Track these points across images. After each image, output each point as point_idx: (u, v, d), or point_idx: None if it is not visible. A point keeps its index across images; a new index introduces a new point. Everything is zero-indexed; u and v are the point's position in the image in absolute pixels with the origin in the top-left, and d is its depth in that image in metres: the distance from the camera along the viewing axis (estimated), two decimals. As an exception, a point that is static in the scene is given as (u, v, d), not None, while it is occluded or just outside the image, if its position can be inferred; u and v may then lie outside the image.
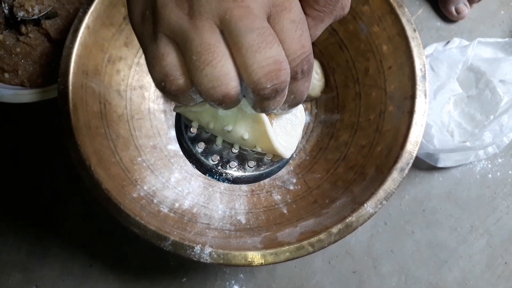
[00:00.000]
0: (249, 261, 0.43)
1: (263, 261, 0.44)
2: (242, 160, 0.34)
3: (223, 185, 0.58)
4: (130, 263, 0.63)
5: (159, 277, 0.62)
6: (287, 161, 0.35)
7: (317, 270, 0.63)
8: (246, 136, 0.32)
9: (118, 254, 0.63)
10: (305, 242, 0.44)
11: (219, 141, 0.34)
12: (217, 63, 0.22)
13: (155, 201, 0.51)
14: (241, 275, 0.62)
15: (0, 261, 0.63)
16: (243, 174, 0.34)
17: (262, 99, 0.24)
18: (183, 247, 0.44)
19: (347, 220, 0.45)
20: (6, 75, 0.62)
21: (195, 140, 0.34)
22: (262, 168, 0.35)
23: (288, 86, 0.24)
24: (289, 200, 0.55)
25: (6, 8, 0.63)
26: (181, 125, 0.34)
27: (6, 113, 0.67)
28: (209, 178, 0.34)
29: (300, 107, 0.34)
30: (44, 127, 0.67)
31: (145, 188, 0.52)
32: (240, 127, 0.32)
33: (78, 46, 0.51)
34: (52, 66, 0.63)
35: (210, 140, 0.34)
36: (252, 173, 0.35)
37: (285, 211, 0.54)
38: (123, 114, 0.56)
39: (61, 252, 0.63)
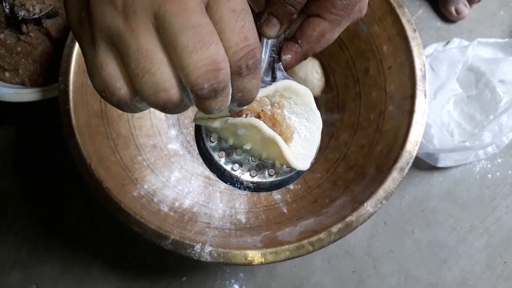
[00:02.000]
0: (249, 260, 0.44)
1: (263, 260, 0.44)
2: (262, 168, 0.34)
3: (223, 185, 0.59)
4: (130, 262, 0.63)
5: (159, 276, 0.62)
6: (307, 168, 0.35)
7: (317, 270, 0.63)
8: (264, 155, 0.32)
9: (118, 253, 0.63)
10: (305, 241, 0.44)
11: (239, 151, 0.34)
12: (155, 71, 0.21)
13: (155, 200, 0.51)
14: (241, 274, 0.62)
15: (0, 260, 0.63)
16: (264, 181, 0.34)
17: (202, 99, 0.23)
18: (183, 246, 0.44)
19: (347, 219, 0.45)
20: (7, 74, 0.62)
21: (215, 149, 0.34)
22: (282, 176, 0.35)
23: (233, 83, 0.23)
24: (289, 200, 0.56)
25: (7, 7, 0.63)
26: (202, 134, 0.34)
27: (7, 112, 0.67)
28: (231, 187, 0.34)
29: (317, 112, 0.34)
30: (45, 126, 0.67)
31: (145, 187, 0.52)
32: (258, 146, 0.32)
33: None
34: (52, 65, 0.63)
35: (230, 150, 0.34)
36: (273, 181, 0.35)
37: (285, 211, 0.54)
38: (124, 113, 0.57)
39: (62, 251, 0.63)
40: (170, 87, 0.22)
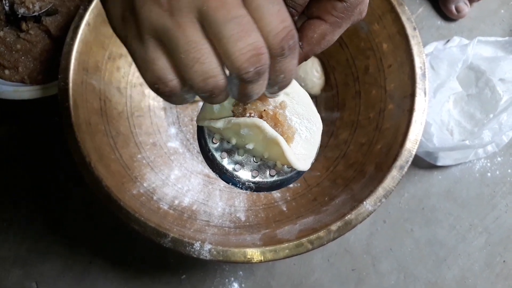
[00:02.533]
0: (249, 258, 0.44)
1: (262, 258, 0.44)
2: (263, 169, 0.34)
3: (223, 183, 0.59)
4: (130, 260, 0.63)
5: (159, 274, 0.62)
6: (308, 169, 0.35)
7: (316, 268, 0.63)
8: (266, 155, 0.33)
9: (118, 251, 0.63)
10: (304, 239, 0.45)
11: (241, 152, 0.34)
12: (204, 60, 0.23)
13: (155, 198, 0.51)
14: (241, 272, 0.63)
15: (0, 257, 0.63)
16: (265, 181, 0.35)
17: (246, 84, 0.24)
18: (183, 244, 0.44)
19: (346, 217, 0.45)
20: (7, 71, 0.62)
21: (218, 149, 0.34)
22: (283, 176, 0.35)
23: (275, 66, 0.25)
24: (289, 198, 0.56)
25: (7, 4, 0.63)
26: (205, 135, 0.34)
27: (6, 109, 0.67)
28: (232, 186, 0.35)
29: (317, 115, 0.34)
30: (45, 124, 0.67)
31: (145, 185, 0.52)
32: (260, 146, 0.32)
33: (78, 43, 0.51)
34: (52, 63, 0.63)
35: (232, 150, 0.34)
36: (274, 181, 0.35)
37: (285, 209, 0.54)
38: (123, 111, 0.57)
39: (62, 249, 0.64)
40: (217, 73, 0.24)
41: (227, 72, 0.25)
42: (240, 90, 0.26)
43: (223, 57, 0.23)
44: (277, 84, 0.26)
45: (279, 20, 0.23)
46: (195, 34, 0.23)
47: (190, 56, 0.23)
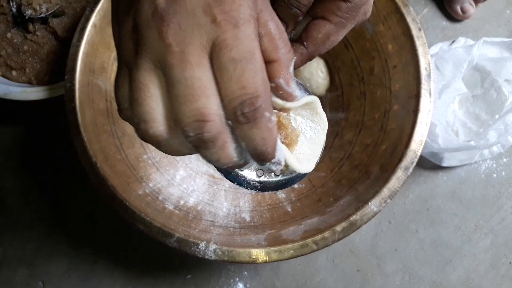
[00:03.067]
0: (253, 258, 0.44)
1: (267, 259, 0.44)
2: (262, 160, 0.34)
3: (228, 183, 0.59)
4: (135, 260, 0.63)
5: (164, 273, 0.63)
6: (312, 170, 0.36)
7: (321, 268, 0.63)
8: None
9: (123, 250, 0.64)
10: (309, 240, 0.45)
11: None
12: (142, 102, 0.23)
13: (160, 198, 0.52)
14: (245, 273, 0.63)
15: (7, 256, 0.63)
16: (270, 181, 0.35)
17: (196, 148, 0.24)
18: (188, 244, 0.44)
19: (351, 218, 0.45)
20: (14, 72, 0.63)
21: None
22: (288, 176, 0.35)
23: (235, 131, 0.24)
24: (294, 199, 0.56)
25: (14, 6, 0.64)
26: None
27: (13, 110, 0.67)
28: (238, 186, 0.35)
29: (323, 115, 0.34)
30: (51, 125, 0.68)
31: (150, 185, 0.53)
32: None
33: (85, 44, 0.51)
34: (59, 64, 0.64)
35: None
36: (279, 180, 0.35)
37: (290, 209, 0.54)
38: (129, 111, 0.57)
39: (67, 248, 0.64)
40: (149, 119, 0.23)
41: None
42: (200, 153, 0.24)
43: (173, 115, 0.23)
44: (248, 152, 0.24)
45: (238, 86, 0.22)
46: (145, 77, 0.23)
47: (132, 94, 0.23)
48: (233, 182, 0.35)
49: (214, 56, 0.22)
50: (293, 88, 0.27)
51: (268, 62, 0.26)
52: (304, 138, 0.33)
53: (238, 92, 0.22)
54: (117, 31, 0.25)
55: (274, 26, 0.25)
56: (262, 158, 0.24)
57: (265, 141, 0.24)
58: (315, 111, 0.34)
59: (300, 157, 0.32)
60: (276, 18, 0.26)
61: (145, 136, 0.24)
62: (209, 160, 0.25)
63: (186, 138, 0.23)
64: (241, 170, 0.34)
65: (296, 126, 0.33)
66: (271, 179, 0.35)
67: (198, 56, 0.22)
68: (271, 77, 0.26)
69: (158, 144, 0.24)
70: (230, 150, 0.24)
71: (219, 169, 0.35)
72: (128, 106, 0.24)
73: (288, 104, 0.28)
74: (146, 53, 0.23)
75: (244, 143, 0.24)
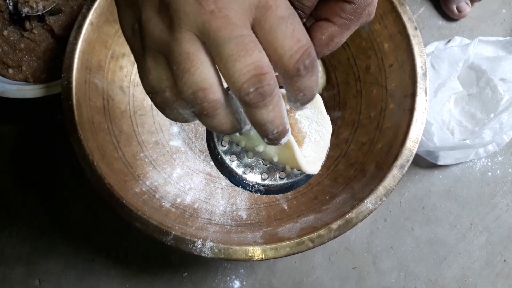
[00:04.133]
0: (250, 256, 0.44)
1: (263, 256, 0.44)
2: (273, 171, 0.34)
3: (225, 181, 0.59)
4: (132, 258, 0.63)
5: (161, 271, 0.63)
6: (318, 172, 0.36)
7: (317, 266, 0.64)
8: (275, 159, 0.33)
9: (120, 248, 0.64)
10: (305, 237, 0.45)
11: (250, 154, 0.34)
12: (195, 70, 0.22)
13: (157, 196, 0.52)
14: (242, 270, 0.63)
15: (4, 254, 0.63)
16: (275, 184, 0.35)
17: (253, 109, 0.24)
18: (185, 242, 0.44)
19: (347, 216, 0.46)
20: (10, 70, 0.63)
21: (227, 152, 0.34)
22: (293, 179, 0.35)
23: (294, 84, 0.24)
24: (290, 196, 0.56)
25: (11, 4, 0.64)
26: (214, 138, 0.34)
27: (10, 108, 0.67)
28: (242, 189, 0.35)
29: (327, 118, 0.34)
30: (48, 123, 0.68)
31: (147, 183, 0.53)
32: (270, 149, 0.32)
33: (81, 42, 0.51)
34: (55, 62, 0.64)
35: (241, 153, 0.34)
36: (284, 183, 0.35)
37: (286, 207, 0.54)
38: (126, 110, 0.57)
39: (64, 246, 0.64)
40: (208, 86, 0.23)
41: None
42: (250, 118, 0.25)
43: (224, 78, 0.23)
44: (298, 101, 0.26)
45: (294, 40, 0.23)
46: (190, 47, 0.22)
47: (180, 66, 0.23)
48: (237, 185, 0.35)
49: (261, 18, 0.23)
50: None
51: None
52: (309, 141, 0.34)
53: (296, 46, 0.23)
54: (130, 18, 0.25)
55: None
56: (310, 101, 0.26)
57: (317, 85, 0.25)
58: (319, 111, 0.34)
59: (305, 159, 0.32)
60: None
61: (202, 101, 0.23)
62: (263, 122, 0.24)
63: (246, 97, 0.23)
64: (245, 174, 0.34)
65: (302, 128, 0.33)
66: (276, 182, 0.35)
67: (242, 18, 0.22)
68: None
69: (214, 112, 0.24)
70: (282, 108, 0.25)
71: (223, 172, 0.34)
72: (169, 84, 0.24)
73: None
74: (184, 25, 0.22)
75: (302, 92, 0.25)
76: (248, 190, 0.34)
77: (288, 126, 0.26)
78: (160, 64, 0.24)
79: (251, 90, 0.22)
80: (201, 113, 0.24)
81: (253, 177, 0.34)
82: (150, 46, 0.24)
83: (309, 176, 0.35)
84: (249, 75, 0.22)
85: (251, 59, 0.22)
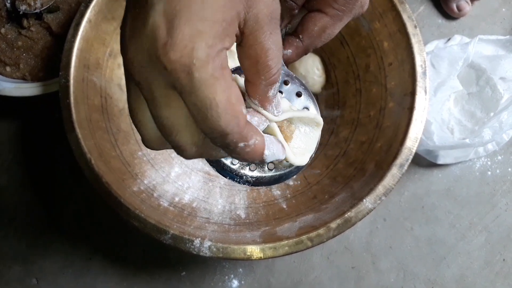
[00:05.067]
0: (248, 255, 0.44)
1: (262, 255, 0.44)
2: (261, 163, 0.34)
3: (223, 180, 0.59)
4: (130, 257, 0.63)
5: (159, 270, 0.63)
6: (306, 163, 0.35)
7: (316, 265, 0.63)
8: None
9: (118, 247, 0.63)
10: (304, 236, 0.45)
11: None
12: (137, 123, 0.25)
13: (155, 195, 0.52)
14: (240, 270, 0.63)
15: (1, 253, 0.63)
16: (263, 176, 0.35)
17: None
18: (183, 241, 0.44)
19: (346, 215, 0.45)
20: (8, 68, 0.63)
21: None
22: (281, 170, 0.35)
23: None
24: (289, 195, 0.56)
25: (9, 1, 0.63)
26: None
27: (7, 106, 0.67)
28: (231, 181, 0.35)
29: (317, 115, 0.34)
30: (46, 121, 0.67)
31: (145, 182, 0.52)
32: None
33: (79, 40, 0.51)
34: (53, 60, 0.63)
35: None
36: (272, 175, 0.35)
37: (285, 206, 0.54)
38: (124, 108, 0.57)
39: (62, 245, 0.64)
40: (148, 140, 0.26)
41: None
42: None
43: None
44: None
45: (207, 127, 0.22)
46: (135, 102, 0.24)
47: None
48: (225, 177, 0.35)
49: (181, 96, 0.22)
50: (270, 109, 0.27)
51: (247, 81, 0.25)
52: (298, 132, 0.33)
53: (207, 131, 0.22)
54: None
55: (260, 49, 0.23)
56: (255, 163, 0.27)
57: (249, 157, 0.25)
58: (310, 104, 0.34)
59: (294, 151, 0.32)
60: (268, 39, 0.23)
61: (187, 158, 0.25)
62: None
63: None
64: (233, 164, 0.34)
65: (291, 122, 0.33)
66: (264, 174, 0.34)
67: (164, 95, 0.22)
68: (249, 95, 0.26)
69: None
70: (214, 157, 0.26)
71: (212, 163, 0.34)
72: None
73: (269, 117, 0.28)
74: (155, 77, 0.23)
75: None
76: (237, 181, 0.34)
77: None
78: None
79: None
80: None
81: (241, 168, 0.34)
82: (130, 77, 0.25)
83: (298, 168, 0.35)
84: (173, 147, 0.25)
85: (171, 138, 0.24)
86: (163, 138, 0.24)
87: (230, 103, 0.22)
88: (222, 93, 0.21)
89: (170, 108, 0.22)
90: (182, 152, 0.24)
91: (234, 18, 0.21)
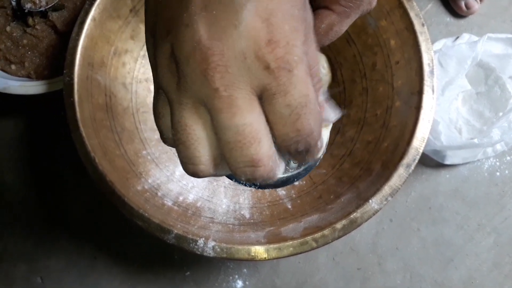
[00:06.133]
0: (252, 256, 0.43)
1: (266, 256, 0.43)
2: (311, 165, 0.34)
3: (228, 180, 0.58)
4: (134, 256, 0.63)
5: (163, 270, 0.62)
6: (315, 164, 0.35)
7: (321, 266, 0.63)
8: None
9: (122, 246, 0.63)
10: (309, 237, 0.44)
11: None
12: (190, 145, 0.22)
13: (159, 194, 0.51)
14: (245, 270, 0.62)
15: (6, 251, 0.63)
16: None
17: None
18: (186, 240, 0.44)
19: (351, 216, 0.45)
20: (13, 66, 0.63)
21: None
22: (289, 172, 0.34)
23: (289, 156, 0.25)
24: (294, 195, 0.55)
25: (14, 0, 0.63)
26: None
27: (12, 104, 0.67)
28: (236, 183, 0.34)
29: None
30: (51, 119, 0.67)
31: (149, 181, 0.52)
32: None
33: (84, 38, 0.51)
34: (58, 58, 0.63)
35: None
36: (280, 177, 0.34)
37: (290, 206, 0.54)
38: (129, 107, 0.56)
39: (67, 244, 0.64)
40: (199, 163, 0.23)
41: None
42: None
43: (222, 154, 0.22)
44: (301, 162, 0.26)
45: (293, 129, 0.22)
46: (190, 117, 0.22)
47: (177, 135, 0.22)
48: (231, 179, 0.34)
49: (266, 101, 0.21)
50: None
51: None
52: None
53: (292, 134, 0.22)
54: (151, 49, 0.23)
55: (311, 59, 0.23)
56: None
57: (314, 156, 0.25)
58: None
59: None
60: (313, 47, 0.24)
61: (194, 175, 0.24)
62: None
63: (239, 178, 0.23)
64: None
65: None
66: None
67: (248, 100, 0.21)
68: None
69: (203, 177, 0.24)
70: (277, 174, 0.25)
71: None
72: (173, 140, 0.24)
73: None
74: (187, 91, 0.21)
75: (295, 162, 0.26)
76: (242, 183, 0.34)
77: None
78: (168, 112, 0.23)
79: (243, 178, 0.23)
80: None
81: None
82: (161, 89, 0.23)
83: (307, 170, 0.34)
84: (242, 165, 0.22)
85: (247, 151, 0.21)
86: (218, 159, 0.23)
87: (317, 100, 0.22)
88: (312, 90, 0.22)
89: (253, 113, 0.21)
90: (258, 168, 0.22)
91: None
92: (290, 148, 0.23)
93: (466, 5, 0.72)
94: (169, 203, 0.51)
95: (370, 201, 0.45)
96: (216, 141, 0.22)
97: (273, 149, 0.23)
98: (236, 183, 0.53)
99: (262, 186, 0.34)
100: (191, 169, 0.23)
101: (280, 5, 0.20)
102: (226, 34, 0.20)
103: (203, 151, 0.22)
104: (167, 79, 0.22)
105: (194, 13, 0.20)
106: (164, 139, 0.25)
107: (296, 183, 0.56)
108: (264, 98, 0.21)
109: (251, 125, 0.21)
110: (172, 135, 0.23)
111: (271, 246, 0.44)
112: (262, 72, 0.20)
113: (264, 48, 0.20)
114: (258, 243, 0.44)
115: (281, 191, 0.56)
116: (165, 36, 0.21)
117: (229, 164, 0.22)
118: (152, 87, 0.60)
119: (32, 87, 0.59)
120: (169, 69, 0.22)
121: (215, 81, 0.20)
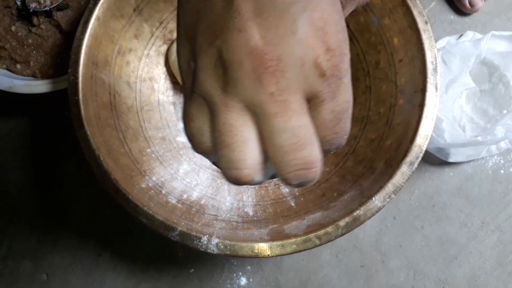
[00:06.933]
0: (256, 253, 0.44)
1: (269, 253, 0.44)
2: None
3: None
4: (138, 254, 0.63)
5: (167, 267, 0.63)
6: None
7: (325, 264, 0.63)
8: None
9: (127, 244, 0.64)
10: (312, 234, 0.44)
11: None
12: (235, 148, 0.22)
13: (163, 192, 0.52)
14: (248, 267, 0.63)
15: (11, 249, 0.64)
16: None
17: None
18: (190, 238, 0.44)
19: (354, 213, 0.45)
20: (18, 66, 0.63)
21: None
22: None
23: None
24: (297, 193, 0.55)
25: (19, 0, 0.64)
26: None
27: (17, 103, 0.68)
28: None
29: None
30: (55, 118, 0.68)
31: (153, 179, 0.52)
32: None
33: (88, 37, 0.51)
34: (63, 57, 0.64)
35: None
36: None
37: (293, 204, 0.54)
38: (133, 105, 0.57)
39: (71, 241, 0.64)
40: (244, 167, 0.22)
41: None
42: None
43: (270, 159, 0.22)
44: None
45: (333, 132, 0.23)
46: (237, 120, 0.21)
47: (221, 137, 0.22)
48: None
49: (314, 105, 0.22)
50: None
51: None
52: None
53: (329, 137, 0.23)
54: (186, 55, 0.23)
55: None
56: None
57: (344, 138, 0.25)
58: None
59: None
60: None
61: (236, 181, 0.23)
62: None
63: (288, 183, 0.23)
64: None
65: None
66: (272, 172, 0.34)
67: (300, 104, 0.21)
68: None
69: (247, 184, 0.24)
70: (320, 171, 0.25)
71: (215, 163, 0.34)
72: (211, 144, 0.23)
73: None
74: (236, 95, 0.21)
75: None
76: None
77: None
78: (204, 115, 0.23)
79: (294, 183, 0.22)
80: (233, 183, 0.24)
81: None
82: (199, 93, 0.22)
83: None
84: (296, 168, 0.22)
85: (302, 153, 0.21)
86: (262, 164, 0.23)
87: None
88: (352, 95, 0.23)
89: (306, 116, 0.21)
90: (311, 170, 0.22)
91: None
92: (323, 148, 0.23)
93: (470, 3, 0.71)
94: (173, 201, 0.51)
95: (373, 198, 0.45)
96: (260, 146, 0.22)
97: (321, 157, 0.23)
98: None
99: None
100: (234, 174, 0.22)
101: (332, 15, 0.21)
102: (283, 40, 0.20)
103: (249, 154, 0.22)
104: (211, 83, 0.22)
105: (248, 19, 0.20)
106: (196, 143, 0.24)
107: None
108: (312, 102, 0.22)
109: (305, 127, 0.21)
110: (208, 140, 0.23)
111: (274, 243, 0.44)
112: (317, 79, 0.21)
113: (323, 56, 0.21)
114: (262, 240, 0.44)
115: (284, 189, 0.56)
116: (212, 40, 0.21)
117: (279, 169, 0.22)
118: (156, 86, 0.60)
119: (37, 86, 0.60)
120: (214, 73, 0.21)
121: (270, 86, 0.20)
